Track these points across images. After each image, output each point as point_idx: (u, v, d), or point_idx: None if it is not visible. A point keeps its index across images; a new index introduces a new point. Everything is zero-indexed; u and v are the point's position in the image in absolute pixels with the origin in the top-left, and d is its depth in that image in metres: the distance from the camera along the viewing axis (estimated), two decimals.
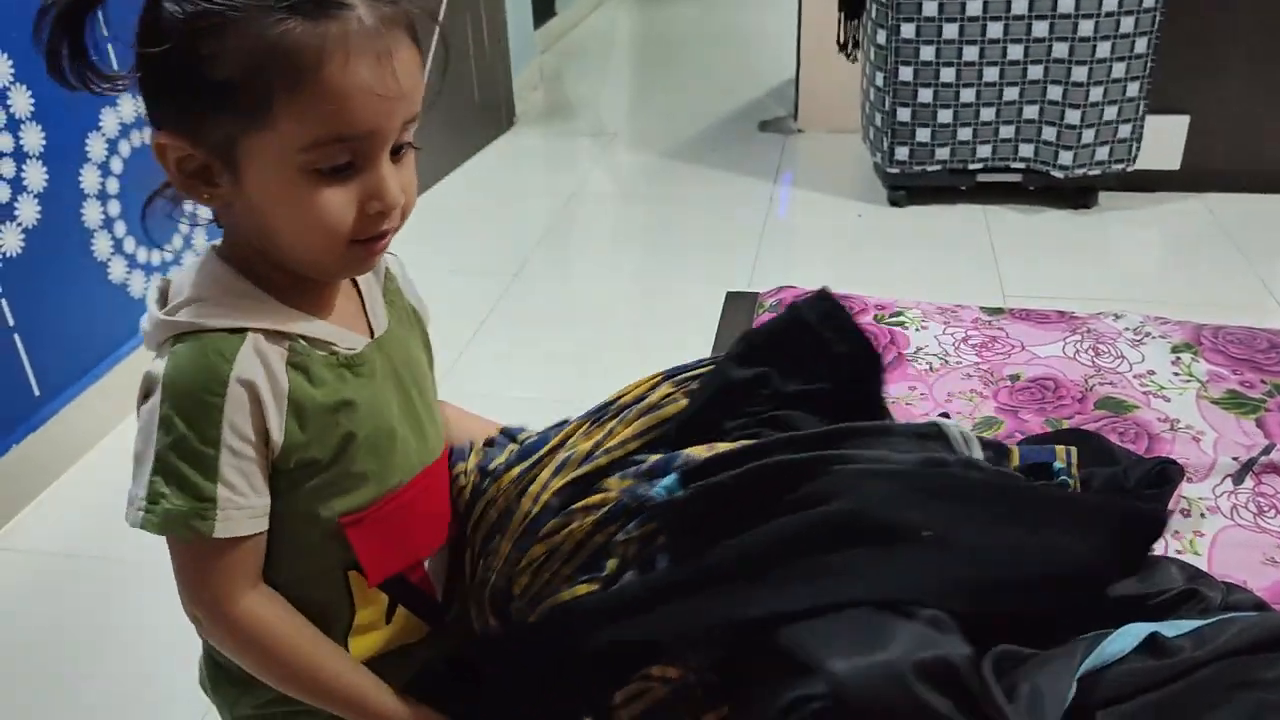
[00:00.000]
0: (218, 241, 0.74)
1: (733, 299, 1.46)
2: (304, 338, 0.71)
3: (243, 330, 0.68)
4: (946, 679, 0.57)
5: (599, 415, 0.84)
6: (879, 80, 2.81)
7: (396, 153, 0.68)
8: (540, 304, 2.53)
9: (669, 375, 0.86)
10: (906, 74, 2.74)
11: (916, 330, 1.28)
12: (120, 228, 2.05)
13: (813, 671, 0.59)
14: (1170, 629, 0.60)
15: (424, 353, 0.83)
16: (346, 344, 0.73)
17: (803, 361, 0.82)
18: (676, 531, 0.72)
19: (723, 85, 4.05)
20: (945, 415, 1.01)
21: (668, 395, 0.84)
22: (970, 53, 2.70)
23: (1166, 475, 0.87)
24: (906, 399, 1.15)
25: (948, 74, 2.73)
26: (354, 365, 0.73)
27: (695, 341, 2.25)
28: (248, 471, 0.69)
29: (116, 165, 2.04)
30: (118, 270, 2.06)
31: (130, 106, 2.06)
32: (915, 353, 1.24)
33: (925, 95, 2.76)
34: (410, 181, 0.71)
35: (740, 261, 2.63)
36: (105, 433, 2.01)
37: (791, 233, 2.93)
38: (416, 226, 2.86)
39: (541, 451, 0.81)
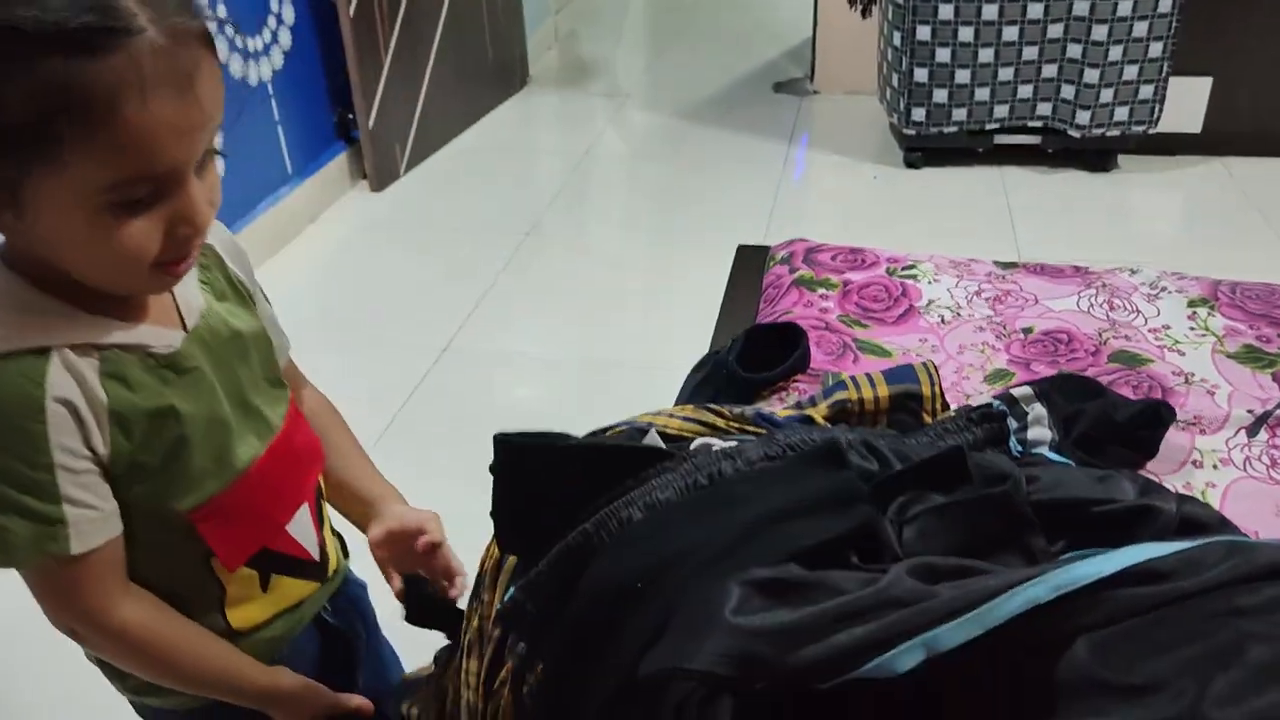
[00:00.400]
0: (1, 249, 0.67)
1: (744, 253, 1.45)
2: (116, 346, 0.67)
3: (46, 349, 0.64)
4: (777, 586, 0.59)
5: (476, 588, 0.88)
6: (896, 39, 2.78)
7: (203, 163, 0.65)
8: (552, 262, 2.52)
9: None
10: (924, 33, 2.70)
11: (929, 283, 1.26)
12: None
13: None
14: (1160, 550, 0.60)
15: (253, 320, 0.79)
16: (163, 343, 0.70)
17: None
18: (519, 629, 0.75)
19: (738, 46, 4.01)
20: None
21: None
22: (990, 11, 2.65)
23: (1159, 416, 0.87)
24: (917, 350, 1.14)
25: (966, 33, 2.69)
26: (175, 364, 0.71)
27: (706, 301, 2.25)
28: (89, 484, 0.67)
29: None
30: None
31: None
32: (927, 305, 1.22)
33: (943, 55, 2.72)
34: (214, 185, 0.67)
35: (754, 222, 2.62)
36: None
37: (805, 194, 2.90)
38: (431, 184, 2.86)
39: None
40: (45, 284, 0.66)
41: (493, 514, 0.81)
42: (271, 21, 2.48)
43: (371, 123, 2.74)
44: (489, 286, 2.38)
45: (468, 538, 1.72)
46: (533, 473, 0.79)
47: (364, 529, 0.89)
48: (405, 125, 2.90)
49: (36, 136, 0.57)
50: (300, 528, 0.82)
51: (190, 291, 0.74)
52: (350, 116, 2.78)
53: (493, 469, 0.79)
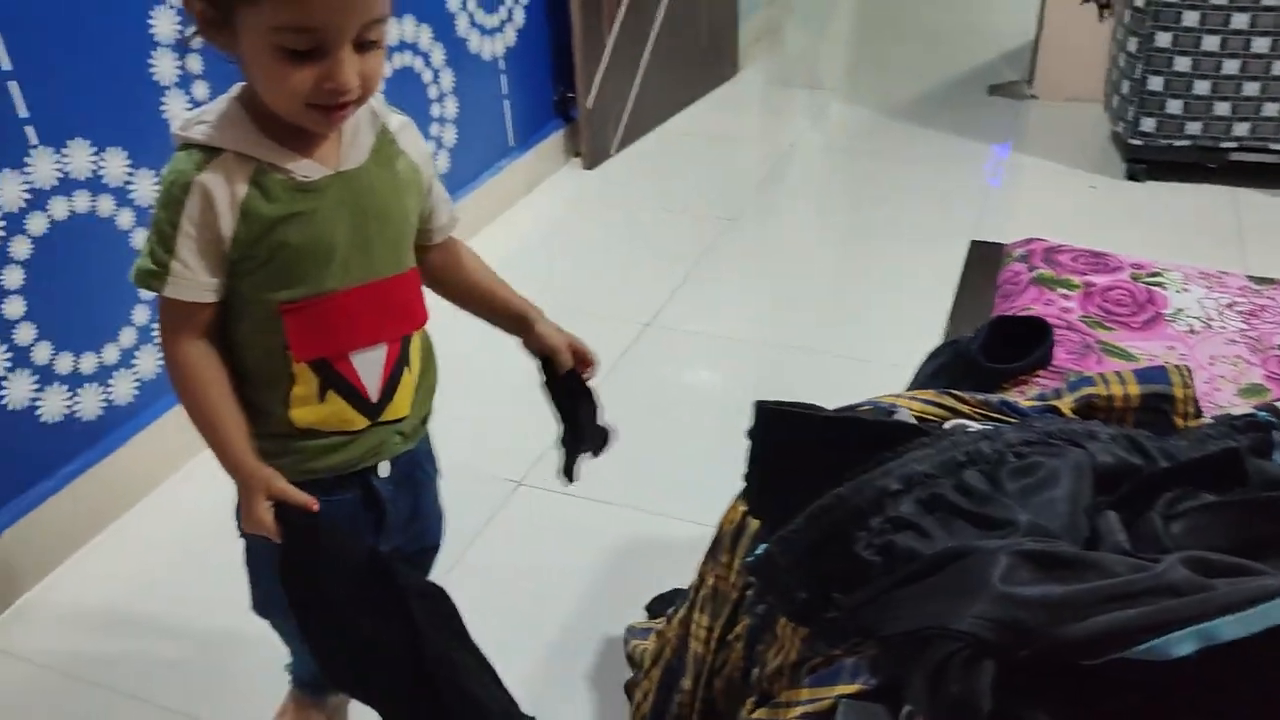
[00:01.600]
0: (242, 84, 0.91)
1: (978, 249, 1.43)
2: (271, 164, 0.89)
3: (218, 150, 0.88)
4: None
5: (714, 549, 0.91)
6: (1131, 45, 2.66)
7: (365, 48, 0.84)
8: (753, 250, 2.55)
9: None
10: (1164, 39, 2.58)
11: (1177, 292, 1.23)
12: None
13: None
14: None
15: (407, 198, 0.97)
16: (306, 173, 0.90)
17: None
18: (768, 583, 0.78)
19: (953, 45, 3.92)
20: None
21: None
22: (1240, 20, 2.51)
23: None
24: (1164, 358, 1.11)
25: (1210, 42, 2.55)
26: (306, 189, 0.90)
27: (901, 299, 2.23)
28: (199, 252, 0.89)
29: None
30: None
31: (395, 29, 2.19)
32: (1175, 314, 1.19)
33: (1182, 64, 2.60)
34: (373, 72, 0.86)
35: (958, 224, 2.56)
36: None
37: (1015, 199, 2.82)
38: (639, 165, 2.93)
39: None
40: (253, 111, 0.89)
41: (746, 475, 0.85)
42: (509, 0, 2.60)
43: (590, 103, 2.84)
44: (691, 268, 2.43)
45: (667, 502, 1.78)
46: (788, 439, 0.82)
47: (517, 333, 1.12)
48: (620, 107, 2.99)
49: None
50: (368, 364, 0.97)
51: (357, 149, 0.93)
52: (570, 96, 2.89)
53: (750, 433, 0.83)
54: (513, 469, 1.78)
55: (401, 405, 1.01)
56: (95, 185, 1.59)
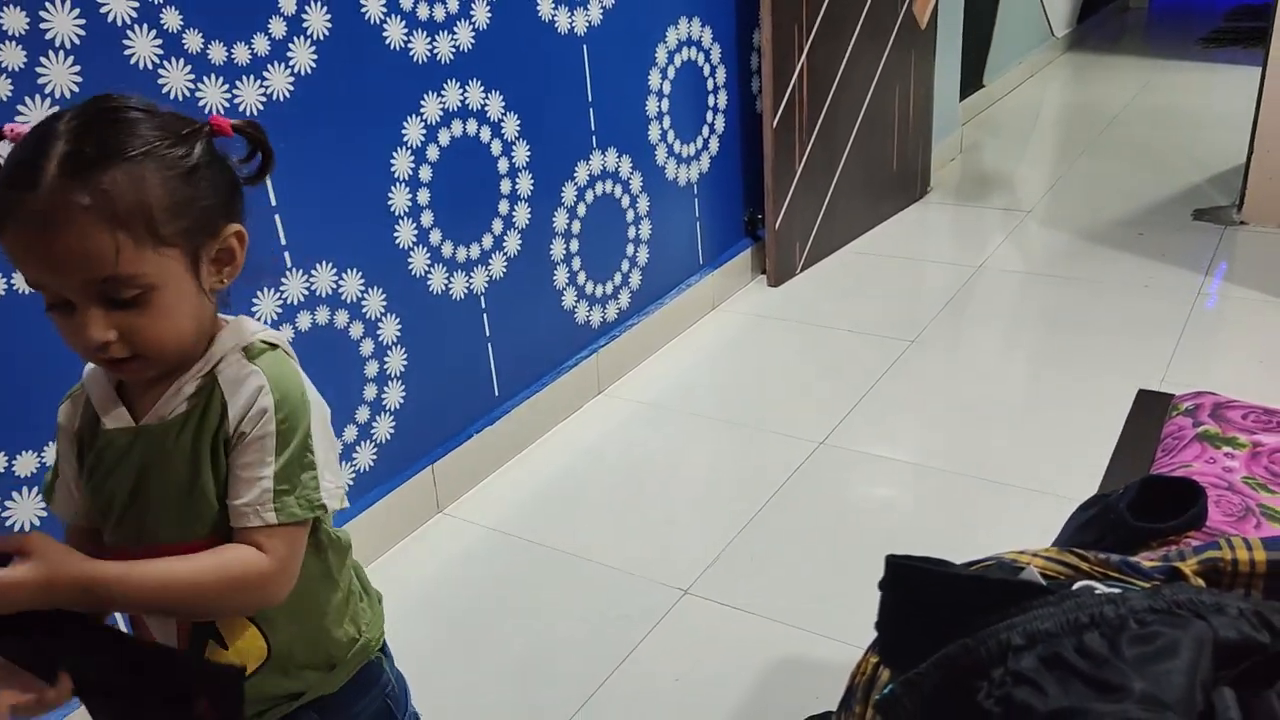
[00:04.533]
0: None
1: (1144, 398, 1.44)
2: (95, 407, 0.87)
3: (78, 388, 0.89)
4: None
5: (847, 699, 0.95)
6: None
7: (121, 305, 0.78)
8: (933, 373, 2.57)
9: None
10: None
11: None
12: (576, 263, 2.40)
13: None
14: None
15: (205, 465, 0.84)
16: (111, 422, 0.86)
17: None
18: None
19: (1155, 168, 3.84)
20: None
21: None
22: None
23: None
24: None
25: None
26: (107, 437, 0.86)
27: (1092, 436, 2.19)
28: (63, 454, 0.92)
29: (581, 210, 2.38)
30: (569, 299, 2.41)
31: (598, 161, 2.40)
32: None
33: None
34: (137, 326, 0.79)
35: (1154, 358, 2.51)
36: (548, 430, 2.36)
37: (1217, 332, 2.72)
38: (823, 284, 3.04)
39: None
40: None
41: (877, 625, 0.91)
42: (705, 130, 2.78)
43: (778, 224, 2.97)
44: (868, 389, 2.48)
45: (828, 624, 1.82)
46: (917, 592, 0.88)
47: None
48: (807, 227, 3.11)
49: None
50: (161, 627, 0.89)
51: (173, 403, 0.85)
52: (759, 217, 3.03)
53: (881, 585, 0.90)
54: (680, 577, 1.87)
55: (240, 655, 0.88)
56: (334, 301, 1.83)
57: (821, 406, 2.41)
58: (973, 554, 0.97)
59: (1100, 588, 0.85)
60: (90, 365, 0.88)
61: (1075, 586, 0.86)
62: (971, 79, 4.39)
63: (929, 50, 3.52)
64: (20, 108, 1.34)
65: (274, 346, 0.88)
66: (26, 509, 1.44)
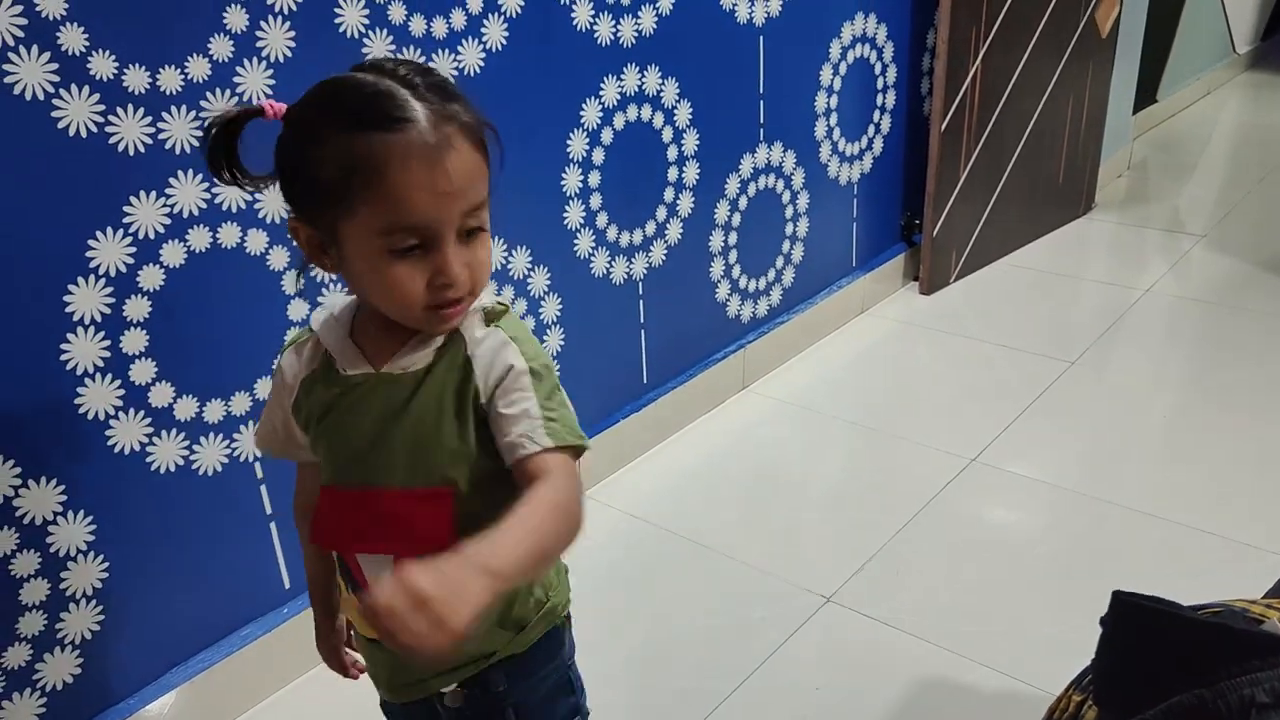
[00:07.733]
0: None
1: None
2: (333, 355, 0.89)
3: (309, 332, 0.92)
4: None
5: None
6: None
7: (470, 235, 0.81)
8: (1090, 396, 2.47)
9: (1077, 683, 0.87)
10: None
11: None
12: (733, 256, 2.38)
13: None
14: None
15: (446, 416, 0.85)
16: (351, 368, 0.88)
17: None
18: None
19: None
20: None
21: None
22: None
23: None
24: None
25: None
26: (345, 382, 0.88)
27: (1245, 475, 2.07)
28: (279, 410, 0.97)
29: (742, 203, 2.36)
30: (722, 291, 2.39)
31: (764, 154, 2.37)
32: None
33: None
34: (478, 260, 0.82)
35: None
36: (691, 421, 2.35)
37: None
38: (978, 295, 2.94)
39: None
40: (359, 315, 0.91)
41: (1096, 663, 0.87)
42: (870, 130, 2.72)
43: (936, 231, 2.89)
44: (1024, 407, 2.39)
45: (969, 645, 1.76)
46: (1145, 633, 0.83)
47: None
48: (965, 236, 3.01)
49: (341, 190, 0.78)
50: (373, 565, 0.91)
51: (418, 353, 0.86)
52: (916, 222, 2.95)
53: (1103, 621, 0.85)
54: (821, 583, 1.84)
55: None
56: (500, 277, 1.85)
57: (971, 422, 2.34)
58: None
59: None
60: (320, 314, 0.92)
61: None
62: (1145, 93, 4.18)
63: (1107, 60, 3.37)
64: (239, 68, 1.39)
65: (507, 309, 0.90)
66: (212, 454, 1.50)
